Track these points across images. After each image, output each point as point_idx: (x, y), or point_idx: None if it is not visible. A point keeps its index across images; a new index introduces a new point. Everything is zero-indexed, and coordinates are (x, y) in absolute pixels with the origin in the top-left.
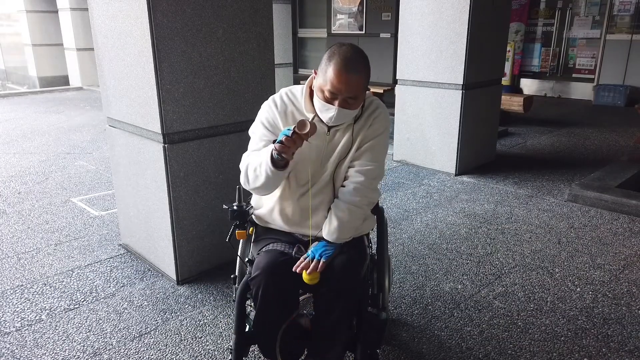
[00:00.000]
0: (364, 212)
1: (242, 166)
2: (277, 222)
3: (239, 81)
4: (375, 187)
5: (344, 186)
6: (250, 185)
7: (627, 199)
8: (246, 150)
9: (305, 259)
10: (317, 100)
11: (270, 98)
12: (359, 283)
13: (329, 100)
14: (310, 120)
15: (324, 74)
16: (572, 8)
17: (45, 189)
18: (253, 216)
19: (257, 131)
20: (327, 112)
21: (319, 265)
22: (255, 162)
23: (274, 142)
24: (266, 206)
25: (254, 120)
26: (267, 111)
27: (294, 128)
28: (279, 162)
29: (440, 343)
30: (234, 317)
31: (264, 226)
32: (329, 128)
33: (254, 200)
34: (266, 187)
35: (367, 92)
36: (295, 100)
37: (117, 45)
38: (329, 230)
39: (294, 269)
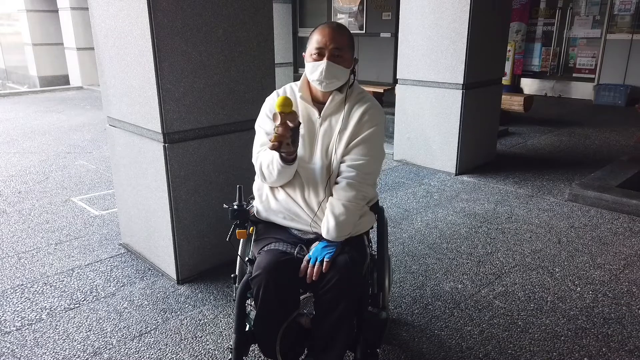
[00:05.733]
0: (359, 207)
1: (255, 163)
2: (275, 207)
3: (239, 81)
4: (371, 182)
5: (337, 182)
6: (267, 181)
7: (628, 198)
8: (252, 145)
9: (307, 261)
10: (308, 65)
11: (275, 91)
12: (360, 283)
13: (318, 59)
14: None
15: (310, 42)
16: (573, 7)
17: (45, 188)
18: (254, 211)
19: (262, 123)
20: (317, 69)
21: (324, 266)
22: (266, 160)
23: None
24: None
25: (254, 120)
26: (269, 102)
27: (274, 126)
28: (288, 157)
29: (440, 342)
30: (234, 317)
31: (264, 221)
32: (320, 113)
33: (256, 195)
34: (282, 179)
35: (364, 90)
36: (296, 89)
37: (117, 45)
38: (327, 229)
39: (300, 275)
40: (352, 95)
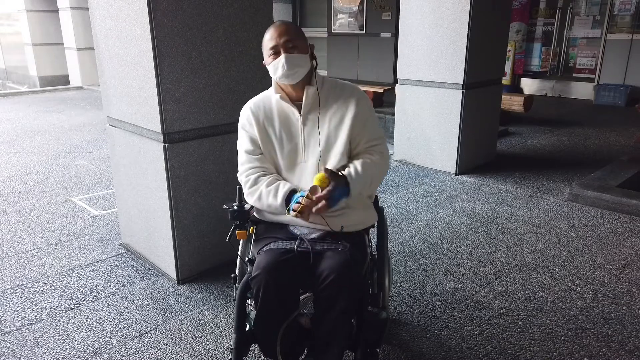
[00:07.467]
0: (380, 171)
1: (244, 182)
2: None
3: (239, 81)
4: (385, 148)
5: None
6: (263, 211)
7: (628, 198)
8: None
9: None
10: (270, 68)
11: (247, 104)
12: (360, 282)
13: (275, 57)
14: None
15: (264, 49)
16: (573, 7)
17: (45, 188)
18: (254, 212)
19: (242, 142)
20: (279, 66)
21: (321, 207)
22: (269, 200)
23: (288, 195)
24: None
25: None
26: (244, 115)
27: (307, 195)
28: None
29: (440, 342)
30: (234, 316)
31: (265, 221)
32: (300, 111)
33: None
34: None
35: (338, 80)
36: (270, 95)
37: (117, 45)
38: (353, 169)
39: (293, 209)
40: (326, 88)
